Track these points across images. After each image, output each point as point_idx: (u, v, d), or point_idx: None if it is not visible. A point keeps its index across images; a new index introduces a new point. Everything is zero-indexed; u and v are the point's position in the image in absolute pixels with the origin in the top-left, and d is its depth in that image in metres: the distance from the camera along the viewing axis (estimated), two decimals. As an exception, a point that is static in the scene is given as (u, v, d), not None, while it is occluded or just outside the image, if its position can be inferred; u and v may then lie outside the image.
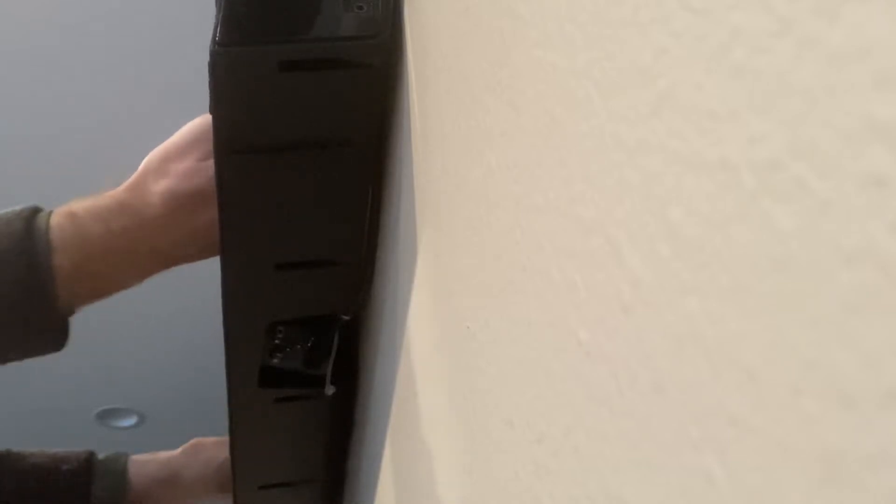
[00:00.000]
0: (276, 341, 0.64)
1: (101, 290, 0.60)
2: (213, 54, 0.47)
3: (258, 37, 0.48)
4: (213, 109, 0.50)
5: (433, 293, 0.42)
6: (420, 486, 0.45)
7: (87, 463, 0.74)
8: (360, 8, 0.49)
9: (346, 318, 0.64)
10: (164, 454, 0.79)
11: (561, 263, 0.25)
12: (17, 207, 0.59)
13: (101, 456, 0.76)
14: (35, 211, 0.58)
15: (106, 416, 2.37)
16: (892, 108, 0.12)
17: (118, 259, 0.59)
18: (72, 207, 0.59)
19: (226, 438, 0.80)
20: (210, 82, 0.49)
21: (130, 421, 2.40)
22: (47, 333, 0.59)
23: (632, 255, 0.21)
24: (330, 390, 0.67)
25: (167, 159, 0.59)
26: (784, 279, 0.15)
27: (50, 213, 0.58)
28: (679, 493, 0.18)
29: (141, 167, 0.61)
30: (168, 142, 0.61)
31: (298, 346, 0.65)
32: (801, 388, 0.14)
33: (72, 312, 0.59)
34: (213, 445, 0.80)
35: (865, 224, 0.13)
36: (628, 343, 0.21)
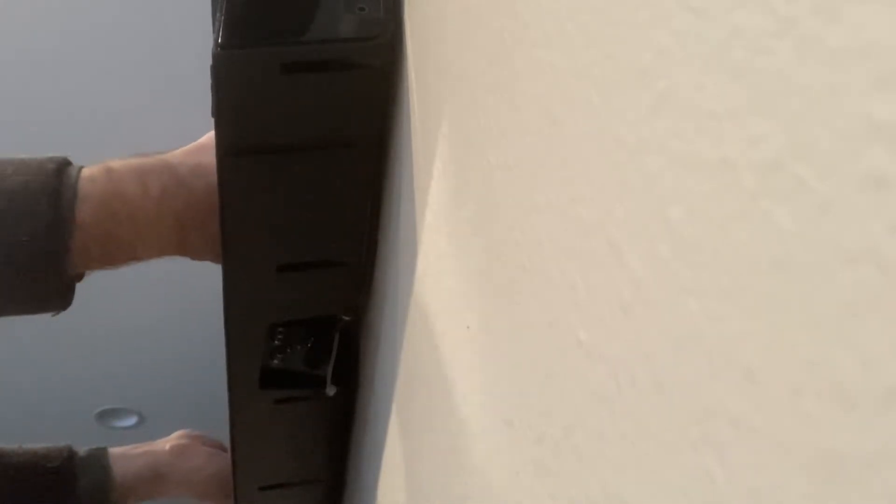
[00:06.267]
0: (277, 342, 0.64)
1: (110, 254, 0.56)
2: (215, 57, 0.47)
3: (260, 39, 0.48)
4: (215, 111, 0.50)
5: (433, 293, 0.42)
6: (421, 487, 0.45)
7: (70, 460, 0.73)
8: (361, 9, 0.49)
9: (346, 318, 0.65)
10: (150, 451, 0.78)
11: (561, 263, 0.25)
12: (48, 155, 0.55)
13: (81, 452, 0.75)
14: (67, 161, 0.56)
15: (106, 416, 2.36)
16: (892, 108, 0.12)
17: (140, 224, 0.56)
18: (109, 163, 0.56)
19: (216, 451, 0.80)
20: (212, 84, 0.49)
21: (130, 421, 2.40)
22: (57, 285, 0.55)
23: (632, 255, 0.21)
24: (331, 391, 0.67)
25: None
26: (784, 279, 0.15)
27: (82, 166, 0.55)
28: (679, 493, 0.18)
29: (202, 140, 0.58)
30: None
31: (299, 347, 0.65)
32: (801, 388, 0.14)
33: (80, 276, 0.56)
34: (203, 454, 0.80)
35: (865, 224, 0.13)
36: (628, 343, 0.21)
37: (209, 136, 0.59)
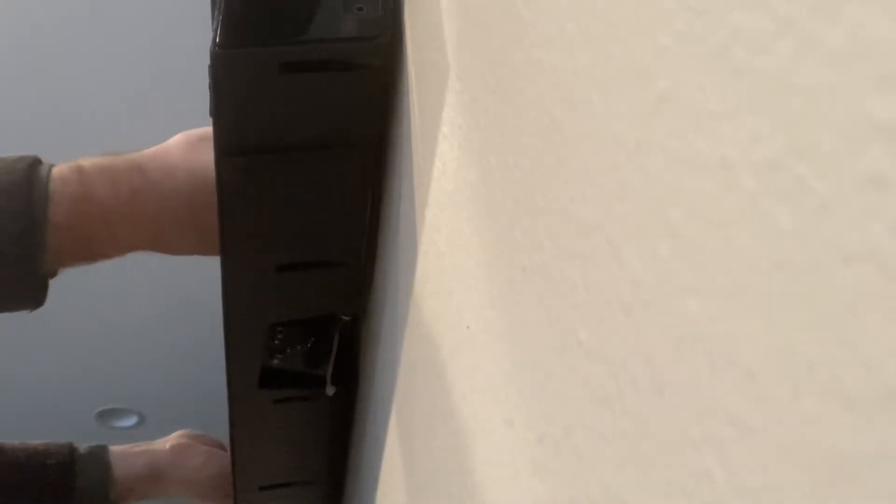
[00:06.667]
0: (277, 342, 0.64)
1: (85, 253, 0.57)
2: (214, 56, 0.47)
3: (258, 38, 0.48)
4: (214, 111, 0.50)
5: (433, 293, 0.42)
6: (421, 487, 0.45)
7: (70, 457, 0.73)
8: (360, 9, 0.49)
9: (346, 318, 0.64)
10: (151, 449, 0.79)
11: (561, 263, 0.25)
12: (19, 155, 0.55)
13: (82, 449, 0.75)
14: (38, 160, 0.55)
15: (106, 416, 2.36)
16: (892, 108, 0.12)
17: (113, 225, 0.56)
18: (80, 162, 0.56)
19: (216, 451, 0.80)
20: (210, 84, 0.49)
21: (130, 421, 2.40)
22: (30, 284, 0.55)
23: (632, 255, 0.21)
24: (330, 391, 0.67)
25: (209, 139, 0.55)
26: (784, 279, 0.15)
27: (52, 165, 0.55)
28: (679, 493, 0.18)
29: (173, 140, 0.58)
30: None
31: (299, 347, 0.65)
32: (801, 388, 0.14)
33: (54, 273, 0.56)
34: (204, 453, 0.80)
35: (865, 224, 0.13)
36: (628, 343, 0.21)
37: (178, 137, 0.59)
